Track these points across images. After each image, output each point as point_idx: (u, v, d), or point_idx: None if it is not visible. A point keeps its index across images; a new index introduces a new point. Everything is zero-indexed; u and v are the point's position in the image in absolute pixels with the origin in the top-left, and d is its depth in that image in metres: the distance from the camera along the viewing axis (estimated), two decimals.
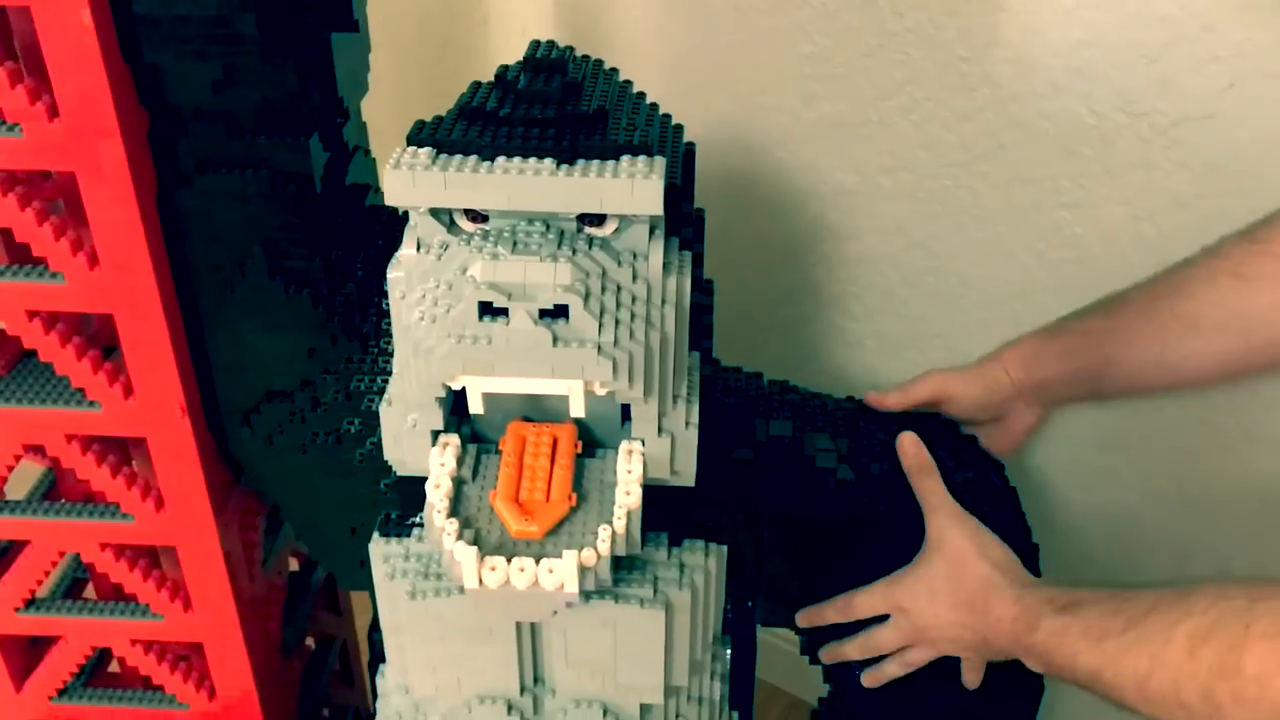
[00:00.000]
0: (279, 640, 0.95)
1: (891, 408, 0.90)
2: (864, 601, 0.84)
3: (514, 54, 1.31)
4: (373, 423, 0.77)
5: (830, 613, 0.87)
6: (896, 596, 0.83)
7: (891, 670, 0.86)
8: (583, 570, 0.66)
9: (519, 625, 0.75)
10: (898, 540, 0.84)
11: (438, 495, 0.68)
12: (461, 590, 0.73)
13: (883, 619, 0.84)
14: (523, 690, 0.78)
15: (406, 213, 0.67)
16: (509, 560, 0.65)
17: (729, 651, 0.87)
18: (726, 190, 1.14)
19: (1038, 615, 0.74)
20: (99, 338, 0.79)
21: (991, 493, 0.87)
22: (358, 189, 0.78)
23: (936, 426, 0.89)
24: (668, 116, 0.74)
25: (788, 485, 0.85)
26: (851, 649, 0.87)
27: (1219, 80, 0.86)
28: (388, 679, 0.86)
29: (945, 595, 0.80)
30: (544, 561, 0.65)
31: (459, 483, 0.70)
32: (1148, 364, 0.84)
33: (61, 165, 0.68)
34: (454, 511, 0.68)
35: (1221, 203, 0.90)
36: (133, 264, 0.71)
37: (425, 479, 0.70)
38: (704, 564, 0.76)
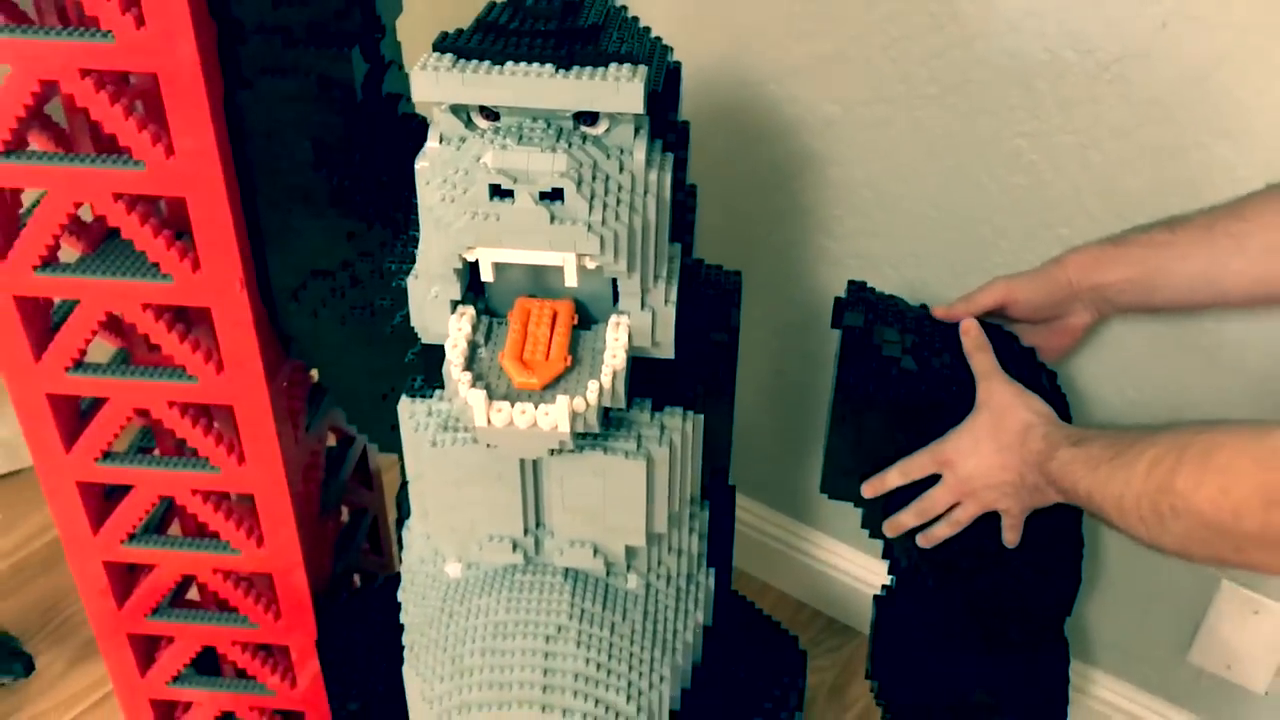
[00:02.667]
0: (319, 500, 1.09)
1: (958, 317, 1.00)
2: (917, 461, 0.97)
3: None
4: (402, 299, 0.90)
5: (890, 476, 0.99)
6: (944, 452, 0.95)
7: (941, 531, 0.98)
8: (573, 415, 0.79)
9: (523, 470, 0.88)
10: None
11: (455, 354, 0.81)
12: (474, 439, 0.87)
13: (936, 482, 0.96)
14: (526, 531, 0.91)
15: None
16: (513, 405, 0.79)
17: (707, 515, 1.00)
18: (724, 120, 1.26)
19: (1056, 446, 0.88)
20: (171, 223, 0.92)
21: (1044, 396, 0.96)
22: (392, 97, 0.90)
23: (999, 337, 1.00)
24: (658, 38, 0.86)
25: (855, 370, 0.97)
26: (908, 516, 0.99)
27: (1154, 21, 0.97)
28: (413, 530, 1.00)
29: (989, 441, 0.93)
30: (541, 406, 0.78)
31: (473, 345, 0.83)
32: (1196, 278, 0.94)
33: (146, 67, 0.81)
34: (468, 367, 0.81)
35: (1157, 132, 1.01)
36: (203, 154, 0.84)
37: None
38: (682, 427, 0.89)
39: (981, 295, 1.01)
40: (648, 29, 0.85)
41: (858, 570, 1.47)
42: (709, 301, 0.95)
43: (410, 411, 0.90)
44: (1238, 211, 0.93)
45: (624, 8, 0.85)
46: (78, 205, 0.88)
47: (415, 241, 0.91)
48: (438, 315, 0.84)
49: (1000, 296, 1.01)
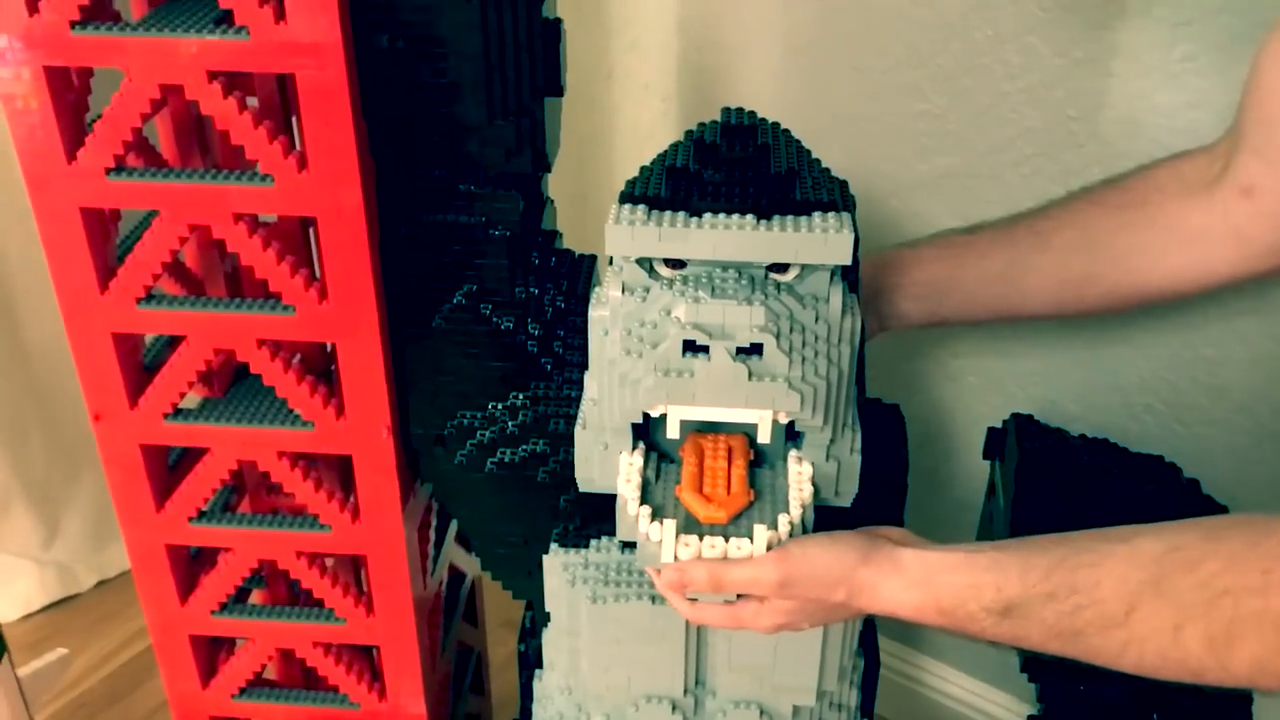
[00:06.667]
0: (440, 646, 1.03)
1: None
2: None
3: (634, 107, 1.40)
4: (558, 444, 0.86)
5: None
6: None
7: None
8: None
9: (688, 626, 0.82)
10: None
11: (629, 489, 0.75)
12: (639, 595, 0.81)
13: None
14: (685, 691, 0.86)
15: (582, 257, 0.77)
16: (700, 539, 0.73)
17: (863, 664, 0.94)
18: None
19: None
20: (308, 368, 0.87)
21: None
22: (549, 234, 0.86)
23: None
24: (827, 170, 0.82)
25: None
26: None
27: None
28: (547, 682, 0.94)
29: None
30: (733, 540, 0.72)
31: (646, 480, 0.77)
32: (995, 280, 0.89)
33: (306, 211, 0.76)
34: (644, 502, 0.75)
35: None
36: (358, 298, 0.80)
37: (605, 496, 0.78)
38: None
39: None
40: (825, 166, 0.81)
41: (972, 698, 1.40)
42: (876, 441, 0.91)
43: (564, 563, 0.85)
44: (1043, 211, 0.90)
45: (799, 141, 0.82)
46: (216, 351, 0.83)
47: (570, 383, 0.86)
48: (606, 468, 0.79)
49: None
